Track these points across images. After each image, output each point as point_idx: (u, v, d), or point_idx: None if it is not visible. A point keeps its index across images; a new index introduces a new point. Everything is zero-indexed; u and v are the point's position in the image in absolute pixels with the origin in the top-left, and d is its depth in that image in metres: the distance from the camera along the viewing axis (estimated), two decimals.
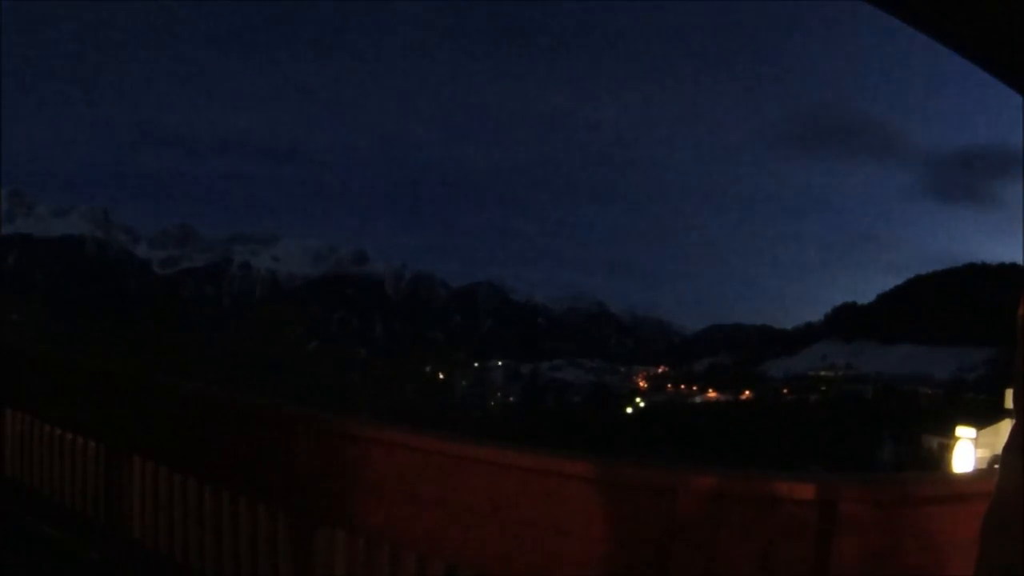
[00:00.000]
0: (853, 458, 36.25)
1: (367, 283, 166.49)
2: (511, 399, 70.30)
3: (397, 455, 2.65)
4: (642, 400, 76.04)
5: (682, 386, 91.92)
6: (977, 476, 2.53)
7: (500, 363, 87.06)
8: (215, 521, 3.27)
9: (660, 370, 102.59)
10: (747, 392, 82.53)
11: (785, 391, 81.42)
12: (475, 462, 2.47)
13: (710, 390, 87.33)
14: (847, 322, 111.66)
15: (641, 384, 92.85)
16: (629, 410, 68.54)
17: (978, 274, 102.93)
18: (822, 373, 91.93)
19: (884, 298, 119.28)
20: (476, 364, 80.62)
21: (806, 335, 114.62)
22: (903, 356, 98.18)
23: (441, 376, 59.21)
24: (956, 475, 3.51)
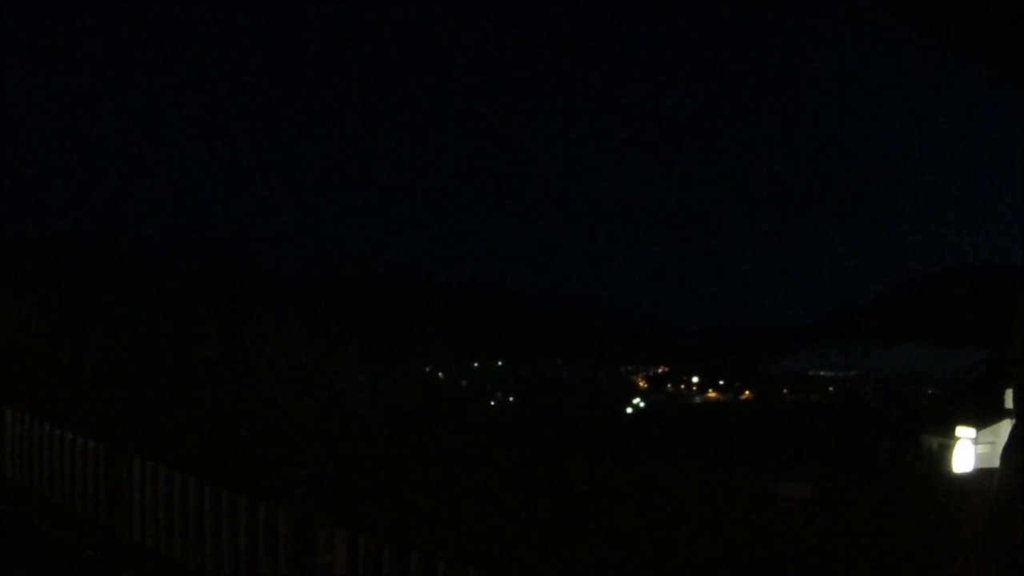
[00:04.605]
0: (853, 458, 36.22)
1: (367, 283, 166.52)
2: (511, 399, 70.22)
3: None
4: (642, 400, 76.03)
5: (682, 386, 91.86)
6: (977, 475, 2.53)
7: (500, 363, 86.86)
8: (215, 521, 3.27)
9: (660, 370, 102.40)
10: (747, 392, 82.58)
11: (785, 391, 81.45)
12: None
13: (710, 390, 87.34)
14: (847, 322, 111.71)
15: (641, 384, 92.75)
16: (629, 410, 68.57)
17: (978, 274, 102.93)
18: (822, 373, 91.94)
19: (884, 298, 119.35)
20: (476, 364, 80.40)
21: (806, 335, 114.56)
22: (903, 356, 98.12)
23: (441, 375, 59.09)
24: (956, 475, 3.51)
